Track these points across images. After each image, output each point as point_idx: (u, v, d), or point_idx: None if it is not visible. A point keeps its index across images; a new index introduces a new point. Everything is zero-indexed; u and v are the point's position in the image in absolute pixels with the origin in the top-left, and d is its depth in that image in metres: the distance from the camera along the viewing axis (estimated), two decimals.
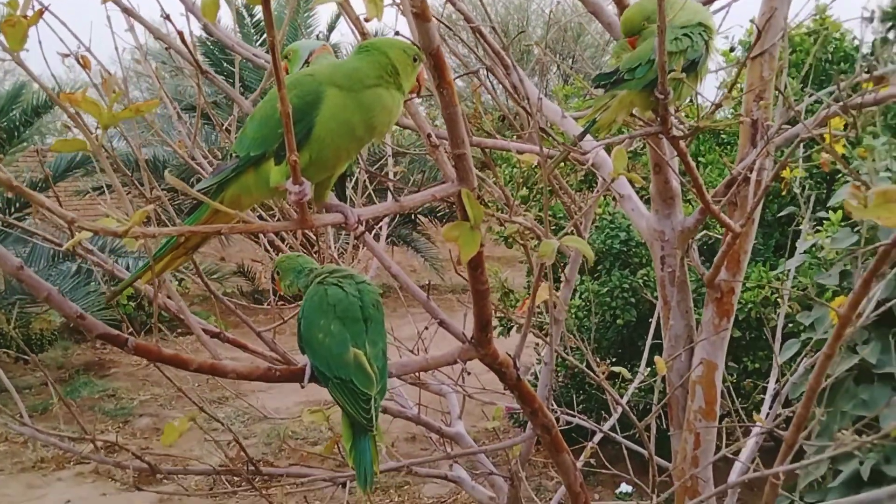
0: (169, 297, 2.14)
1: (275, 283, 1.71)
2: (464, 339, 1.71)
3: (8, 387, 2.31)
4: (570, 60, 17.00)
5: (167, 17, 2.06)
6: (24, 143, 10.66)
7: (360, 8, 1.80)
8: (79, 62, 2.01)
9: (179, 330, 9.51)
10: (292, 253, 1.71)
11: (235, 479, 2.57)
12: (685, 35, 1.85)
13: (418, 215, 14.64)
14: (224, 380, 4.09)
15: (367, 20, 1.28)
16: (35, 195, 0.87)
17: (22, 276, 1.20)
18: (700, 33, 1.87)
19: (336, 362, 1.52)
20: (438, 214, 14.58)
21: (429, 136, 1.45)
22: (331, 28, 14.36)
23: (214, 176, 1.44)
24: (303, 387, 1.58)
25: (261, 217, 2.67)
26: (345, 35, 21.80)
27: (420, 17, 1.15)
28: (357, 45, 1.45)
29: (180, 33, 1.95)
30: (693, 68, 1.87)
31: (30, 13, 1.36)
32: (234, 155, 1.43)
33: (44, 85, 1.58)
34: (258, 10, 13.00)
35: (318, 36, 13.94)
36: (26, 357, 10.16)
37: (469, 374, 2.55)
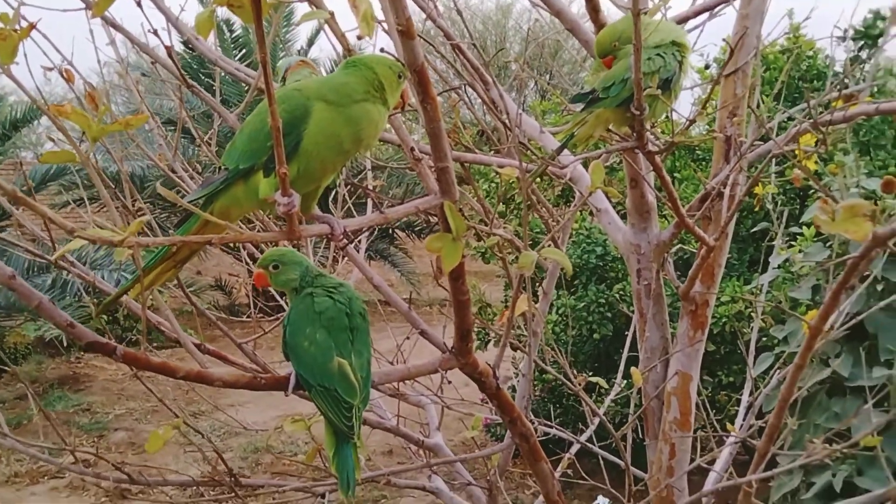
0: (152, 310, 2.16)
1: (258, 277, 1.64)
2: (444, 349, 1.74)
3: None
4: (548, 76, 17.12)
5: (155, 33, 2.09)
6: (2, 157, 10.60)
7: (344, 24, 1.84)
8: (62, 76, 2.04)
9: (155, 343, 9.47)
10: (285, 248, 1.69)
11: (214, 491, 2.58)
12: (658, 55, 1.90)
13: (396, 229, 14.67)
14: (200, 394, 4.07)
15: (359, 38, 1.31)
16: (38, 206, 0.90)
17: (14, 284, 1.23)
18: (673, 53, 1.92)
19: (320, 371, 1.54)
20: (416, 229, 14.62)
21: (412, 149, 1.49)
22: (310, 42, 14.42)
23: (204, 188, 1.47)
24: (287, 395, 1.60)
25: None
26: (323, 50, 21.85)
27: (405, 34, 1.19)
28: (344, 60, 1.48)
29: (168, 49, 1.98)
30: (667, 86, 1.92)
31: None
32: (222, 167, 1.46)
33: (34, 98, 1.60)
34: (237, 26, 13.05)
35: (298, 51, 13.99)
36: (1, 370, 10.08)
37: (450, 382, 2.58)
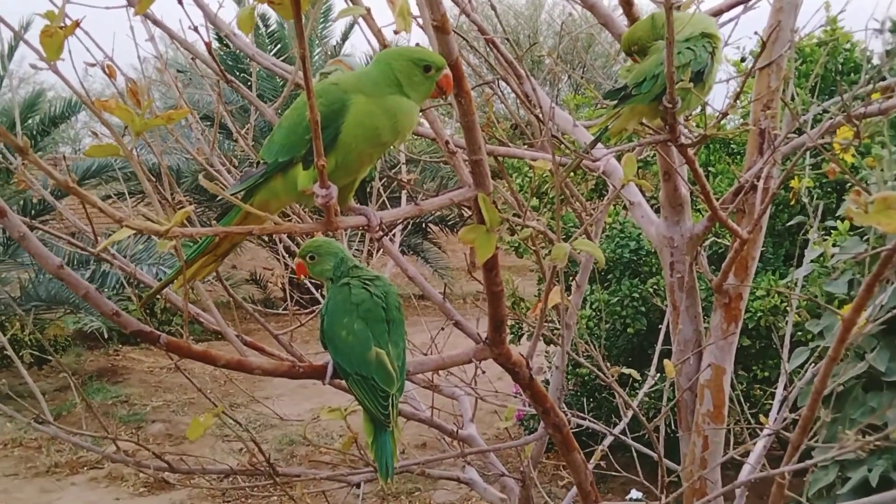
0: (192, 303, 2.20)
1: (299, 267, 1.68)
2: (478, 339, 1.76)
3: (33, 388, 2.37)
4: (581, 70, 17.06)
5: (195, 29, 2.13)
6: (41, 153, 10.77)
7: (380, 20, 1.87)
8: (104, 71, 2.08)
9: (193, 336, 9.54)
10: (323, 238, 1.72)
11: (251, 480, 2.63)
12: (688, 48, 1.90)
13: (429, 224, 14.72)
14: (238, 385, 4.11)
15: (396, 33, 1.34)
16: (90, 196, 0.94)
17: (63, 274, 1.27)
18: (704, 45, 1.93)
19: (358, 360, 1.57)
20: (449, 223, 14.66)
21: (447, 142, 1.51)
22: (345, 38, 14.50)
23: (243, 182, 1.51)
24: (325, 384, 1.63)
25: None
26: (355, 46, 22.00)
27: (440, 29, 1.21)
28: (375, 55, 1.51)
29: (208, 45, 2.02)
30: (699, 78, 1.92)
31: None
32: (261, 161, 1.50)
33: (79, 93, 1.64)
34: (272, 21, 13.15)
35: (333, 46, 14.09)
36: (40, 363, 10.25)
37: (483, 372, 2.60)
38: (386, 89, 1.43)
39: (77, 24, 1.44)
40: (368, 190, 3.02)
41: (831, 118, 2.27)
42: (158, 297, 1.77)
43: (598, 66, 16.57)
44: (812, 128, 2.39)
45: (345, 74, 1.54)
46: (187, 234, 1.03)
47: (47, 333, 10.51)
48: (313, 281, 1.81)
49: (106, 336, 9.80)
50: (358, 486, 2.71)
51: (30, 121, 10.25)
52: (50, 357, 10.23)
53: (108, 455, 2.51)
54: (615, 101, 1.98)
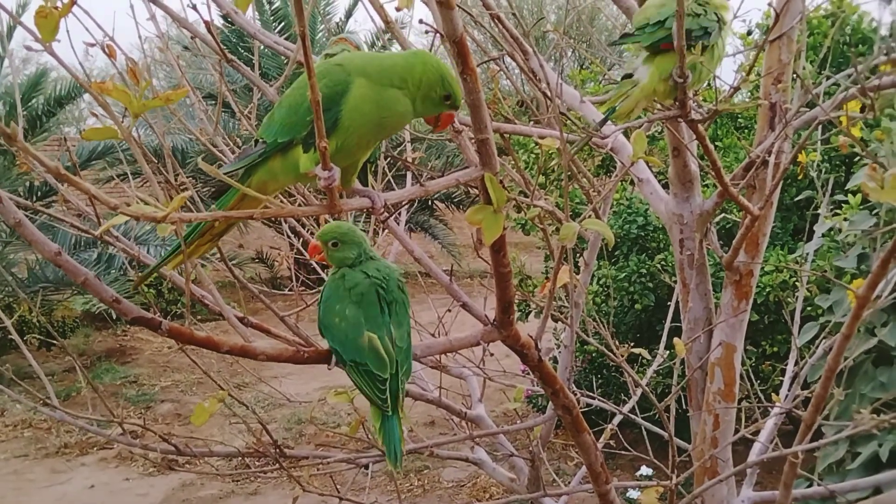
0: (195, 283, 2.18)
1: (314, 249, 1.60)
2: (486, 321, 1.73)
3: (38, 372, 2.35)
4: (585, 44, 16.95)
5: (193, 7, 2.10)
6: (46, 133, 10.73)
7: None
8: (104, 51, 2.05)
9: (200, 316, 9.60)
10: (347, 224, 1.67)
11: (259, 462, 2.62)
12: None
13: (435, 201, 14.67)
14: (245, 366, 4.10)
15: (398, 10, 1.30)
16: (82, 183, 0.91)
17: (60, 261, 1.24)
18: (704, 4, 1.89)
19: (350, 346, 1.54)
20: (455, 200, 14.60)
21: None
22: (348, 15, 14.39)
23: (240, 160, 1.47)
24: (329, 368, 1.61)
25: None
26: (359, 23, 21.84)
27: (444, 4, 1.17)
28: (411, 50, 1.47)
29: (207, 23, 1.98)
30: (707, 36, 1.88)
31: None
32: (260, 140, 1.47)
33: (75, 74, 1.61)
34: None
35: (336, 23, 14.00)
36: (49, 344, 10.27)
37: (492, 354, 2.58)
38: (391, 82, 1.39)
39: (73, 2, 1.41)
40: (374, 169, 2.99)
41: (843, 91, 2.23)
42: (163, 277, 1.74)
43: (602, 39, 16.47)
44: (823, 101, 2.35)
45: (352, 54, 1.50)
46: (185, 219, 1.01)
47: (55, 315, 10.51)
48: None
49: (114, 316, 9.80)
50: (366, 467, 2.70)
51: (33, 101, 10.19)
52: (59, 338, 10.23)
53: (114, 438, 2.50)
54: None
